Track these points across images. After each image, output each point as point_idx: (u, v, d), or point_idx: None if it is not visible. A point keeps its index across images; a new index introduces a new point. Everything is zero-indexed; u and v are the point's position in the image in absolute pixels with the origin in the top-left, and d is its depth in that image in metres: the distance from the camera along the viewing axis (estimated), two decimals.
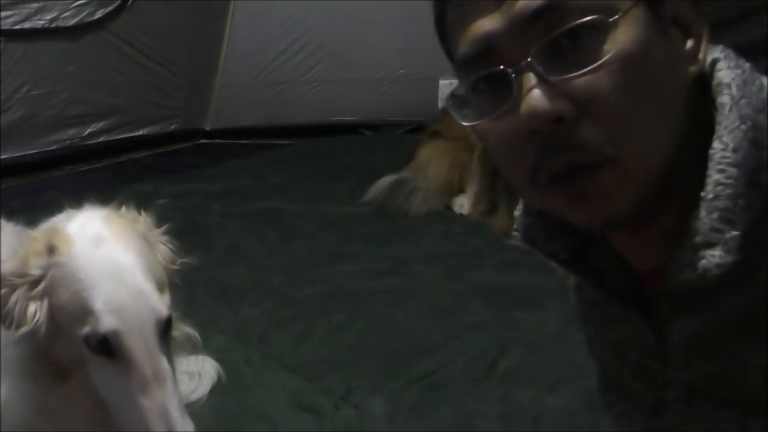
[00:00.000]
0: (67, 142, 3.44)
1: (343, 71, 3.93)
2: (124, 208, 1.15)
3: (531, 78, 0.64)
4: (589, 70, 0.63)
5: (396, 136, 3.77)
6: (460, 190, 2.88)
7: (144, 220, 1.14)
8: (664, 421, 0.80)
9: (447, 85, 3.83)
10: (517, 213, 0.87)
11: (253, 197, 3.04)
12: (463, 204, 2.86)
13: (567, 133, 0.64)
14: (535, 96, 0.64)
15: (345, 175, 3.23)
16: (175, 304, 1.06)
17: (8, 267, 1.02)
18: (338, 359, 1.92)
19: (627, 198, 0.66)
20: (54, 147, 3.40)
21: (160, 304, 1.01)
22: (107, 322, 0.97)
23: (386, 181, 2.91)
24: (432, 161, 2.92)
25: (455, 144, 2.92)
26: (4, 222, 1.58)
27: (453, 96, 0.72)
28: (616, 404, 0.88)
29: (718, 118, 0.66)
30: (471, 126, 0.71)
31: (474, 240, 2.62)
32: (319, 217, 2.84)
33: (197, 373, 1.31)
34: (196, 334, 1.34)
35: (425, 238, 2.65)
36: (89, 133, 3.51)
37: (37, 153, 3.35)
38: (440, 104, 3.65)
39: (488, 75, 0.67)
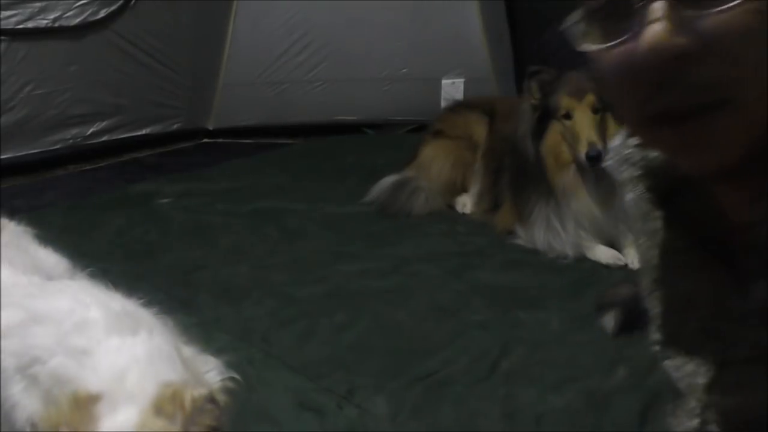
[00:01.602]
0: (70, 141, 3.44)
1: (346, 71, 3.93)
2: None
3: (659, 8, 0.61)
4: (725, 9, 0.59)
5: (398, 136, 3.77)
6: (463, 190, 2.88)
7: None
8: (723, 380, 0.78)
9: (449, 84, 3.84)
10: (616, 142, 0.86)
11: (256, 197, 3.04)
12: (465, 203, 2.85)
13: (688, 70, 0.61)
14: (660, 28, 0.60)
15: (347, 174, 3.23)
16: None
17: None
18: (341, 358, 1.92)
19: (743, 146, 0.63)
20: (57, 146, 3.40)
21: None
22: None
23: (389, 180, 2.91)
24: (434, 160, 2.91)
25: (458, 143, 2.92)
26: (5, 221, 1.57)
27: (571, 21, 0.69)
28: (676, 358, 0.86)
29: None
30: (586, 51, 0.68)
31: (477, 239, 2.62)
32: (321, 216, 2.84)
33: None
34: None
35: (428, 238, 2.64)
36: (92, 133, 3.51)
37: (40, 152, 3.35)
38: (443, 103, 3.65)
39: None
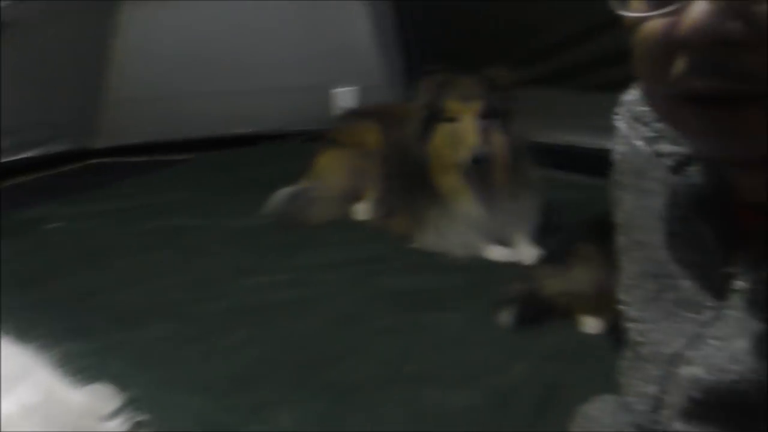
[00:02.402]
0: None
1: (239, 82, 3.89)
2: None
3: None
4: None
5: (293, 146, 3.76)
6: (360, 197, 2.89)
7: None
8: (691, 354, 0.77)
9: (342, 92, 3.86)
10: (629, 97, 0.83)
11: (151, 215, 2.98)
12: (362, 210, 2.87)
13: (729, 56, 0.58)
14: (706, 9, 0.57)
15: (244, 187, 3.20)
16: None
17: None
18: (244, 375, 1.90)
19: None
20: None
21: None
22: None
23: (285, 191, 2.90)
24: (330, 169, 2.92)
25: (353, 151, 2.93)
26: None
27: None
28: (644, 324, 0.85)
29: None
30: (624, 16, 0.64)
31: (376, 246, 2.64)
32: (219, 232, 2.81)
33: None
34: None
35: (327, 247, 2.65)
36: None
37: None
38: (336, 112, 3.67)
39: None
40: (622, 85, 2.73)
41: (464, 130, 2.41)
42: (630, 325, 0.87)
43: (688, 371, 0.76)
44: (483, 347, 2.01)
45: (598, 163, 3.23)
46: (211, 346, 2.02)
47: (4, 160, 3.49)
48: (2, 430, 1.05)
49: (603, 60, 3.04)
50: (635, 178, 0.85)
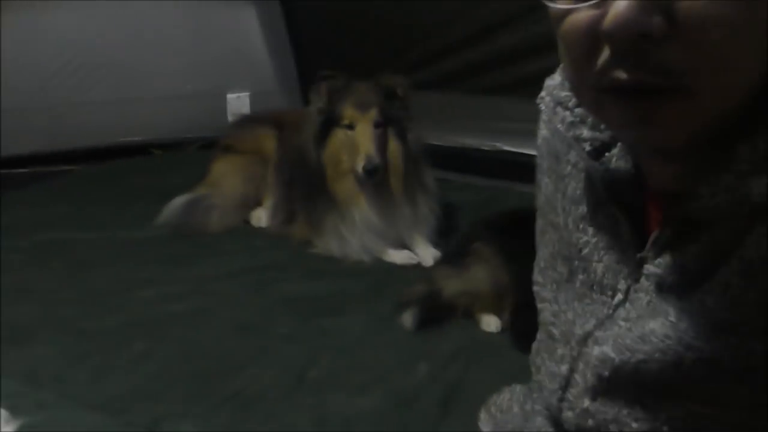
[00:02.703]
0: None
1: (127, 90, 3.79)
2: None
3: None
4: None
5: (187, 154, 3.69)
6: (257, 204, 2.86)
7: None
8: (600, 334, 0.79)
9: (235, 98, 3.82)
10: (552, 81, 0.84)
11: (38, 229, 2.85)
12: (261, 217, 2.84)
13: (649, 50, 0.60)
14: (629, 4, 0.59)
15: (136, 197, 3.11)
16: None
17: None
18: (143, 389, 1.84)
19: (688, 132, 0.64)
20: None
21: None
22: None
23: (181, 200, 2.84)
24: (226, 176, 2.88)
25: (248, 157, 2.90)
26: None
27: None
28: (554, 305, 0.87)
29: None
30: (549, 5, 0.65)
31: (275, 252, 2.62)
32: (112, 243, 2.72)
33: None
34: None
35: (226, 255, 2.61)
36: None
37: None
38: (230, 118, 3.62)
39: None
40: (511, 87, 2.82)
41: (360, 139, 2.43)
42: (542, 305, 0.90)
43: (598, 351, 0.79)
44: (386, 350, 2.03)
45: (491, 164, 3.35)
46: (106, 361, 1.95)
47: None
48: None
49: (491, 63, 3.12)
50: (554, 162, 0.87)
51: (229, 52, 3.78)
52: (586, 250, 0.82)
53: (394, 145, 2.50)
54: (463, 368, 1.91)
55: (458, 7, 3.15)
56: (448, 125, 3.20)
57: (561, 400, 0.86)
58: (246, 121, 3.14)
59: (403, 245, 2.56)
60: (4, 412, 1.26)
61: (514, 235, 2.12)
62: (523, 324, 2.04)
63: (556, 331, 0.87)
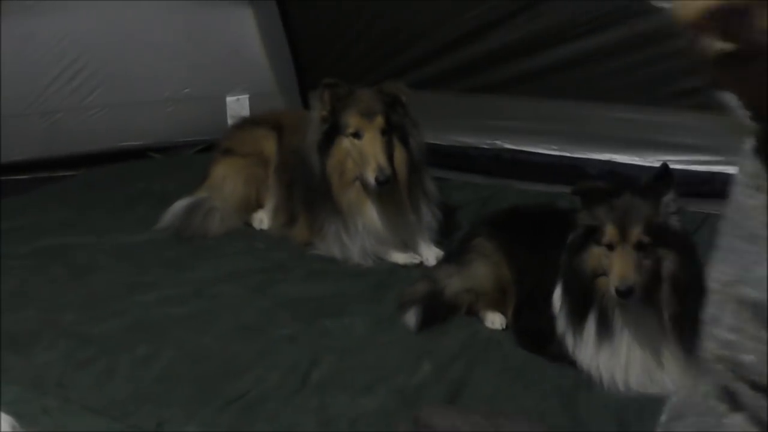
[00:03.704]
0: None
1: (126, 94, 3.77)
2: None
3: None
4: None
5: (187, 157, 3.68)
6: (258, 206, 2.86)
7: None
8: None
9: (234, 101, 3.81)
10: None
11: (38, 235, 2.84)
12: (262, 219, 2.84)
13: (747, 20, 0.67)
14: None
15: (137, 202, 3.10)
16: None
17: None
18: (147, 393, 1.85)
19: None
20: None
21: None
22: None
23: (181, 203, 2.83)
24: (227, 179, 2.87)
25: (249, 160, 2.89)
26: None
27: None
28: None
29: None
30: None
31: (277, 254, 2.62)
32: (113, 248, 2.71)
33: None
34: None
35: (227, 258, 2.60)
36: None
37: None
38: (229, 121, 3.62)
39: None
40: (508, 85, 2.82)
41: (368, 148, 2.41)
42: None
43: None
44: (389, 350, 2.03)
45: (490, 162, 3.35)
46: (110, 365, 1.95)
47: None
48: None
49: (487, 61, 3.12)
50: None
51: (228, 54, 3.77)
52: None
53: (398, 153, 2.48)
54: (466, 366, 1.91)
55: (452, 7, 3.15)
56: (445, 124, 3.20)
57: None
58: (246, 124, 3.13)
59: (405, 246, 2.55)
60: (10, 420, 1.25)
61: (515, 232, 2.13)
62: (526, 321, 2.05)
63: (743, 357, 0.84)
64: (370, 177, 2.39)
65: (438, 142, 3.01)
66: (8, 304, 2.30)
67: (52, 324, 2.17)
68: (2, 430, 1.22)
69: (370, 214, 2.50)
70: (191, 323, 2.18)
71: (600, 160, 2.91)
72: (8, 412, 1.43)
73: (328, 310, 2.22)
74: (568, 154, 2.97)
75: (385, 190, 2.45)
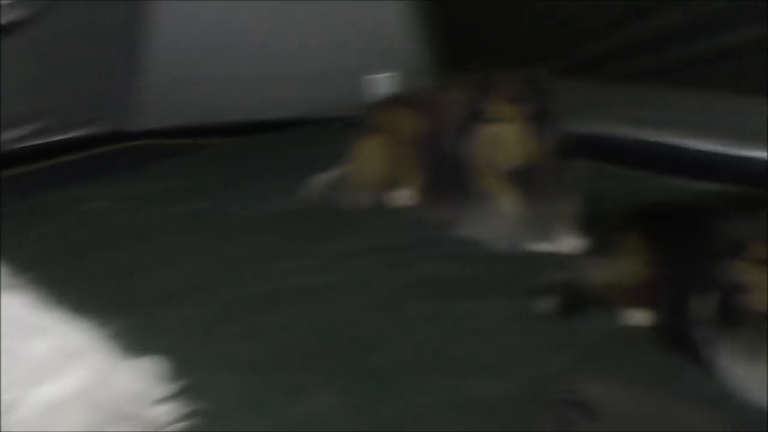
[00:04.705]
0: None
1: (275, 67, 3.89)
2: None
3: None
4: None
5: (330, 132, 3.74)
6: (399, 183, 2.87)
7: None
8: None
9: (380, 78, 3.85)
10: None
11: (188, 198, 2.98)
12: (401, 197, 2.86)
13: None
14: None
15: (282, 172, 3.19)
16: None
17: None
18: (285, 356, 1.90)
19: None
20: None
21: None
22: None
23: (325, 176, 2.89)
24: (368, 155, 2.90)
25: (391, 137, 2.91)
26: None
27: None
28: None
29: None
30: None
31: (416, 232, 2.62)
32: (256, 215, 2.80)
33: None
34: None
35: (365, 233, 2.64)
36: (18, 137, 3.42)
37: None
38: (374, 98, 3.65)
39: None
40: (660, 74, 2.68)
41: (510, 136, 2.37)
42: None
43: None
44: (522, 337, 2.00)
45: (640, 154, 3.22)
46: (252, 326, 2.03)
47: (45, 140, 3.52)
48: (54, 415, 1.05)
49: (641, 48, 3.00)
50: None
51: (376, 31, 3.81)
52: None
53: (543, 141, 2.44)
54: (606, 361, 1.85)
55: None
56: (595, 113, 3.11)
57: None
58: (390, 101, 3.16)
59: (546, 235, 2.50)
60: (157, 366, 1.32)
61: (666, 228, 2.04)
62: (670, 321, 1.96)
63: None
64: (508, 166, 2.35)
65: (587, 131, 2.93)
66: (162, 261, 2.43)
67: (201, 282, 2.28)
68: (156, 375, 1.29)
69: (509, 202, 2.46)
70: (329, 293, 2.22)
71: (763, 161, 2.74)
72: (161, 361, 1.51)
73: (464, 292, 2.21)
74: (727, 151, 2.82)
75: (525, 179, 2.41)
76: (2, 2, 3.23)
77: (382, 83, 3.85)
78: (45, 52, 3.44)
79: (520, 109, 2.38)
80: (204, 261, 2.43)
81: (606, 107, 3.11)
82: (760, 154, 2.75)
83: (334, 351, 1.93)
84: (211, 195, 3.01)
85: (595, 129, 3.07)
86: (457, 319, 2.08)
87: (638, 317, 2.01)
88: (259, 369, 1.83)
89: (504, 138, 2.40)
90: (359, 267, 2.39)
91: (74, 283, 2.12)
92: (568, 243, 2.47)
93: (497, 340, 1.97)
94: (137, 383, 1.23)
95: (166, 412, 1.22)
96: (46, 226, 2.70)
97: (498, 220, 2.47)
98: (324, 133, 3.78)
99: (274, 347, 1.94)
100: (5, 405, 1.07)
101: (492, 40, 3.34)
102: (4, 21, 3.22)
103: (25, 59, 3.37)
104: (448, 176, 2.58)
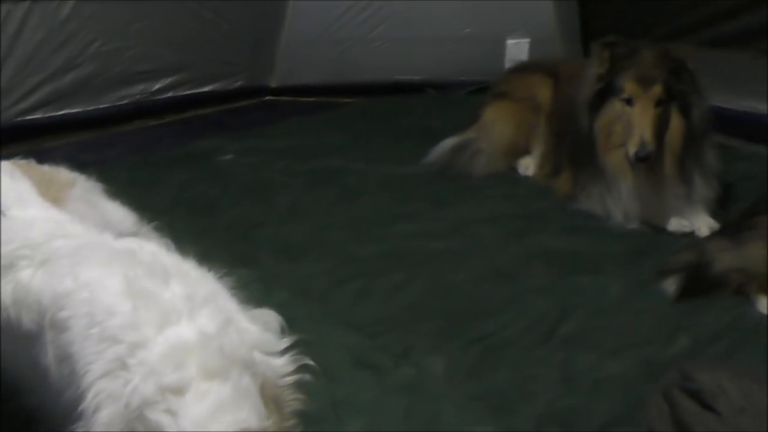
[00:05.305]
0: (136, 97, 3.50)
1: (408, 30, 3.89)
2: None
3: None
4: None
5: (460, 97, 3.72)
6: (525, 152, 2.83)
7: None
8: None
9: (514, 44, 3.78)
10: None
11: (316, 155, 3.05)
12: (528, 166, 2.82)
13: None
14: None
15: (407, 134, 3.21)
16: None
17: None
18: (397, 318, 1.93)
19: None
20: (123, 102, 3.46)
21: None
22: None
23: (450, 141, 2.89)
24: (497, 122, 2.87)
25: (521, 105, 2.87)
26: (76, 175, 1.61)
27: None
28: None
29: None
30: None
31: (537, 203, 2.59)
32: (380, 176, 2.84)
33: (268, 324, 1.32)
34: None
35: (488, 200, 2.62)
36: (157, 89, 3.56)
37: (107, 108, 3.41)
38: (507, 64, 3.59)
39: None
40: None
41: (637, 119, 2.27)
42: None
43: None
44: (643, 316, 1.94)
45: None
46: (366, 287, 2.06)
47: (181, 93, 3.66)
48: (178, 357, 1.09)
49: None
50: None
51: None
52: None
53: (675, 123, 2.32)
54: (728, 349, 1.78)
55: None
56: (738, 88, 2.94)
57: None
58: (522, 68, 3.10)
59: (677, 214, 2.40)
60: (279, 319, 1.37)
61: None
62: None
63: None
64: (631, 150, 2.26)
65: (727, 107, 2.78)
66: (283, 217, 2.50)
67: (320, 240, 2.33)
68: (273, 327, 1.33)
69: (634, 182, 2.37)
70: (446, 259, 2.23)
71: None
72: (277, 314, 1.56)
73: (583, 267, 2.16)
74: None
75: (651, 162, 2.31)
76: None
77: (519, 50, 3.78)
78: (186, 7, 3.56)
79: (652, 91, 2.28)
80: (325, 219, 2.49)
81: (750, 81, 2.94)
82: None
83: (445, 317, 1.94)
84: (339, 154, 3.06)
85: (735, 104, 2.90)
86: (574, 294, 2.04)
87: (767, 305, 1.91)
88: (370, 329, 1.86)
89: (629, 119, 2.30)
90: (478, 234, 2.38)
91: (199, 234, 2.23)
92: (701, 223, 2.36)
93: (612, 318, 1.93)
94: (258, 333, 1.27)
95: (284, 363, 1.26)
96: (182, 175, 2.82)
97: (623, 199, 2.39)
98: (454, 97, 3.76)
99: (386, 309, 1.96)
100: (132, 344, 1.12)
101: (630, 12, 3.20)
102: None
103: (166, 15, 3.50)
104: (576, 149, 2.52)
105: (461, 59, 3.82)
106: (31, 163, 1.58)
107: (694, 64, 2.33)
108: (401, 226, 2.43)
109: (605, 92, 2.38)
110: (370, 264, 2.18)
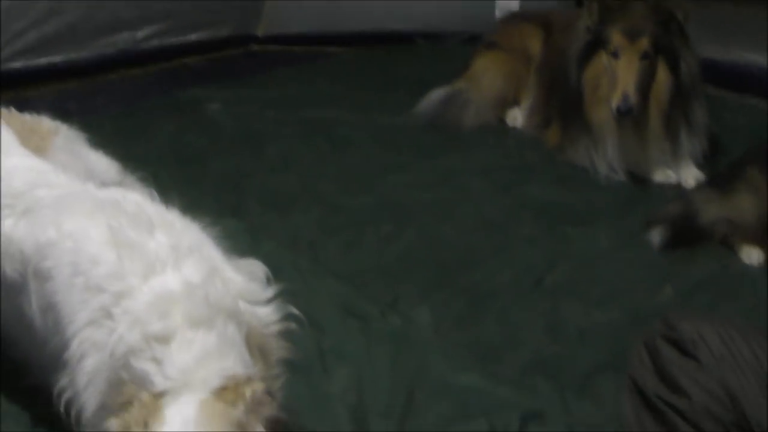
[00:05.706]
0: (121, 45, 3.44)
1: None
2: None
3: None
4: None
5: (451, 47, 3.67)
6: (515, 103, 2.82)
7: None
8: None
9: None
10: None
11: (305, 105, 3.02)
12: (516, 117, 2.80)
13: None
14: None
15: (398, 85, 3.18)
16: None
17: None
18: (386, 268, 1.94)
19: None
20: (107, 50, 3.40)
21: None
22: None
23: (439, 92, 2.86)
24: (487, 72, 2.84)
25: (512, 55, 2.84)
26: (58, 124, 1.59)
27: None
28: None
29: None
30: None
31: (527, 154, 2.59)
32: (370, 127, 2.81)
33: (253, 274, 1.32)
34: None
35: (477, 151, 2.62)
36: (141, 38, 3.50)
37: (91, 56, 3.35)
38: (498, 15, 3.54)
39: None
40: None
41: (621, 72, 2.25)
42: None
43: None
44: (628, 266, 1.96)
45: None
46: (356, 237, 2.07)
47: (169, 41, 3.60)
48: (163, 306, 1.09)
49: None
50: None
51: None
52: None
53: (662, 77, 2.30)
54: (712, 298, 1.80)
55: None
56: (729, 38, 2.91)
57: None
58: (514, 19, 3.06)
59: (664, 165, 2.40)
60: (262, 268, 1.37)
61: None
62: None
63: None
64: (613, 103, 2.24)
65: (717, 57, 2.75)
66: (273, 166, 2.49)
67: (309, 190, 2.33)
68: (259, 277, 1.33)
69: (620, 136, 2.36)
70: (435, 209, 2.23)
71: None
72: (264, 263, 1.56)
73: (571, 218, 2.17)
74: None
75: (636, 117, 2.29)
76: None
77: (509, 1, 3.72)
78: None
79: (638, 44, 2.26)
80: (314, 170, 2.48)
81: (741, 32, 2.91)
82: None
83: (433, 267, 1.95)
84: (329, 104, 3.03)
85: (724, 55, 2.88)
86: (562, 244, 2.06)
87: (754, 255, 1.93)
88: (358, 279, 1.87)
89: (614, 72, 2.28)
90: (468, 185, 2.38)
91: (187, 184, 2.22)
92: (687, 175, 2.37)
93: (599, 269, 1.95)
94: (244, 283, 1.27)
95: (269, 312, 1.27)
96: (169, 125, 2.79)
97: (608, 153, 2.39)
98: (444, 47, 3.72)
99: (374, 259, 1.97)
100: (117, 293, 1.12)
101: None
102: None
103: None
104: (565, 101, 2.51)
105: (452, 9, 3.76)
106: (12, 112, 1.55)
107: (684, 16, 2.30)
108: (390, 177, 2.42)
109: (594, 44, 2.35)
110: (359, 215, 2.18)
